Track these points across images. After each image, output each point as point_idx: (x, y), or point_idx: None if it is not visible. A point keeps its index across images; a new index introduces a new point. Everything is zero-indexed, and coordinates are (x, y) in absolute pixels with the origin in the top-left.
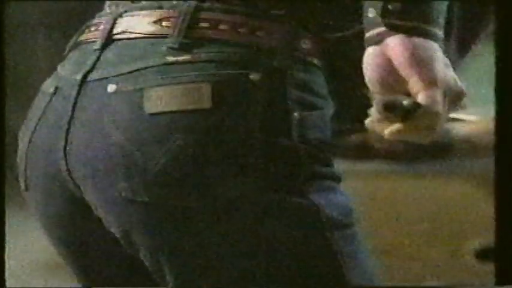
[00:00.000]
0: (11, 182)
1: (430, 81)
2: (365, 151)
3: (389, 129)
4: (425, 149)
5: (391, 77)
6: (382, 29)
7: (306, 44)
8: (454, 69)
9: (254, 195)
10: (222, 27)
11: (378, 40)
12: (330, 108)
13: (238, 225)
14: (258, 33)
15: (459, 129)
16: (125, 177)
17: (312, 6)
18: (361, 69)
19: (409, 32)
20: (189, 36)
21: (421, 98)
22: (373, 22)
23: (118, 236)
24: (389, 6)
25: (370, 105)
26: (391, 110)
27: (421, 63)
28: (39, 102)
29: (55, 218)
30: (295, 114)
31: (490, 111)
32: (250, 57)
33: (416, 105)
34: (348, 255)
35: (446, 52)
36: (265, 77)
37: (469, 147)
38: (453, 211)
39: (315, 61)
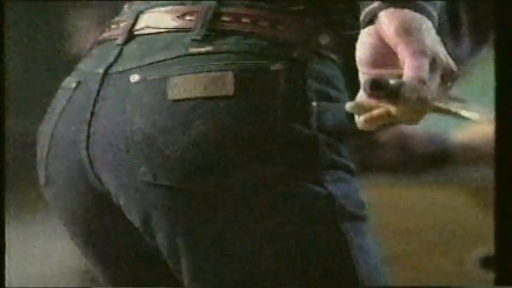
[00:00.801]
0: (11, 181)
1: (418, 49)
2: (367, 162)
3: (377, 111)
4: (425, 158)
5: (381, 57)
6: (376, 4)
7: (324, 39)
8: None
9: (272, 181)
10: (243, 20)
11: (372, 16)
12: (346, 102)
13: (256, 210)
14: (279, 27)
15: (457, 137)
16: (147, 161)
17: (330, 3)
18: None
19: (401, 6)
20: (212, 29)
21: (407, 66)
22: (367, 3)
23: (137, 223)
24: None
25: None
26: (378, 89)
27: (409, 32)
28: (59, 98)
29: (75, 212)
30: (314, 104)
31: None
32: (271, 49)
33: (403, 84)
34: (358, 247)
35: (457, 48)
36: (285, 68)
37: (468, 154)
38: (455, 220)
39: (333, 56)
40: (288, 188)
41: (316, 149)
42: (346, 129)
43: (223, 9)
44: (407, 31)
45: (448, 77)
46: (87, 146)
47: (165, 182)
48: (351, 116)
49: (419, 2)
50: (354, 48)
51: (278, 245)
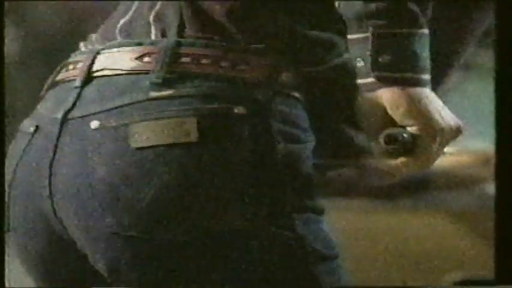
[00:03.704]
0: None
1: (430, 131)
2: (346, 188)
3: (393, 162)
4: (405, 184)
5: (387, 120)
6: (374, 79)
7: (287, 78)
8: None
9: (241, 228)
10: (203, 61)
11: (371, 89)
12: (312, 141)
13: (225, 258)
14: (240, 67)
15: (438, 163)
16: (112, 212)
17: (292, 40)
18: (339, 102)
19: (401, 83)
20: (172, 71)
21: (422, 140)
22: (363, 71)
23: (104, 272)
24: (380, 59)
25: (347, 140)
26: (392, 143)
27: (418, 116)
28: (18, 143)
29: (39, 260)
30: (280, 146)
31: (470, 144)
32: (233, 91)
33: (415, 138)
34: (331, 286)
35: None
36: (249, 111)
37: (445, 180)
38: (431, 245)
39: (296, 94)
40: (257, 234)
41: (284, 193)
42: (313, 170)
43: (182, 50)
44: (416, 116)
45: (454, 136)
46: (50, 194)
47: (132, 233)
48: (315, 158)
49: (417, 76)
50: (317, 85)
51: None
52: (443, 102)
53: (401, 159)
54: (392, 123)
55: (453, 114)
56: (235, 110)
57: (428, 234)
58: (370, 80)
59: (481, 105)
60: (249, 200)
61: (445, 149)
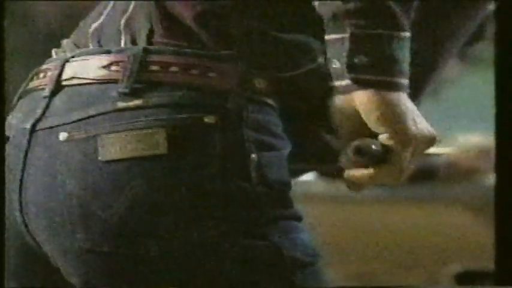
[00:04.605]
0: None
1: (402, 139)
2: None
3: (360, 173)
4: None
5: (360, 126)
6: (349, 81)
7: (259, 84)
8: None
9: (215, 240)
10: (172, 69)
11: (345, 91)
12: (287, 148)
13: (200, 271)
14: (210, 75)
15: (437, 155)
16: (83, 227)
17: (263, 45)
18: (315, 107)
19: (376, 85)
20: (140, 80)
21: (392, 152)
22: (338, 73)
23: (78, 286)
24: (355, 60)
25: (323, 145)
26: (361, 155)
27: (392, 121)
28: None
29: (12, 273)
30: (253, 156)
31: (471, 136)
32: (204, 99)
33: (385, 149)
34: None
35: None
36: (220, 120)
37: (447, 172)
38: (432, 236)
39: (269, 101)
40: (232, 245)
41: (258, 203)
42: (288, 177)
43: (151, 58)
44: (390, 120)
45: (428, 145)
46: (21, 209)
47: (104, 248)
48: (290, 164)
49: (394, 79)
50: (290, 91)
51: None
52: (441, 97)
53: (369, 171)
54: (365, 128)
55: (427, 124)
56: (206, 120)
57: (428, 226)
58: (345, 82)
59: (481, 99)
60: (221, 213)
61: (443, 151)
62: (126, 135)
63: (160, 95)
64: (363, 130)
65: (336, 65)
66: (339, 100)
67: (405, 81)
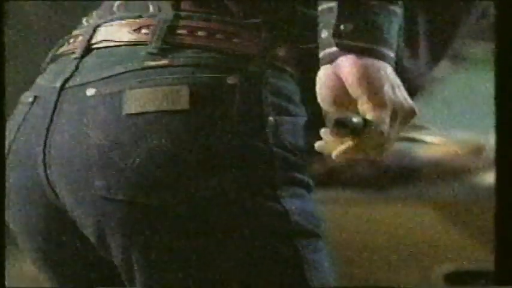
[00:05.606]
0: None
1: (379, 102)
2: (333, 177)
3: (339, 148)
4: (393, 174)
5: (343, 97)
6: (335, 49)
7: (281, 52)
8: (416, 89)
9: (228, 195)
10: (199, 33)
11: (331, 60)
12: (303, 116)
13: (210, 224)
14: (235, 40)
15: (425, 154)
16: (102, 175)
17: (288, 16)
18: None
19: (360, 52)
20: (168, 42)
21: (369, 118)
22: (326, 42)
23: (92, 238)
24: (341, 27)
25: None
26: (341, 127)
27: (370, 84)
28: (17, 113)
29: (32, 227)
30: (271, 118)
31: (457, 134)
32: (227, 62)
33: (365, 122)
34: (312, 263)
35: (415, 62)
36: (241, 81)
37: (436, 171)
38: (420, 236)
39: (289, 68)
40: (243, 202)
41: (272, 165)
42: (303, 144)
43: (179, 23)
44: (368, 83)
45: (407, 117)
46: (44, 160)
47: (120, 196)
48: (308, 131)
49: (378, 48)
50: (310, 61)
51: (232, 259)
52: (438, 93)
53: (348, 143)
54: (349, 100)
55: (408, 96)
56: (228, 80)
57: (419, 226)
58: (331, 50)
59: (472, 96)
60: (237, 168)
61: (430, 139)
62: (150, 91)
63: (186, 56)
64: (347, 104)
65: (324, 34)
66: (325, 70)
67: (389, 53)
